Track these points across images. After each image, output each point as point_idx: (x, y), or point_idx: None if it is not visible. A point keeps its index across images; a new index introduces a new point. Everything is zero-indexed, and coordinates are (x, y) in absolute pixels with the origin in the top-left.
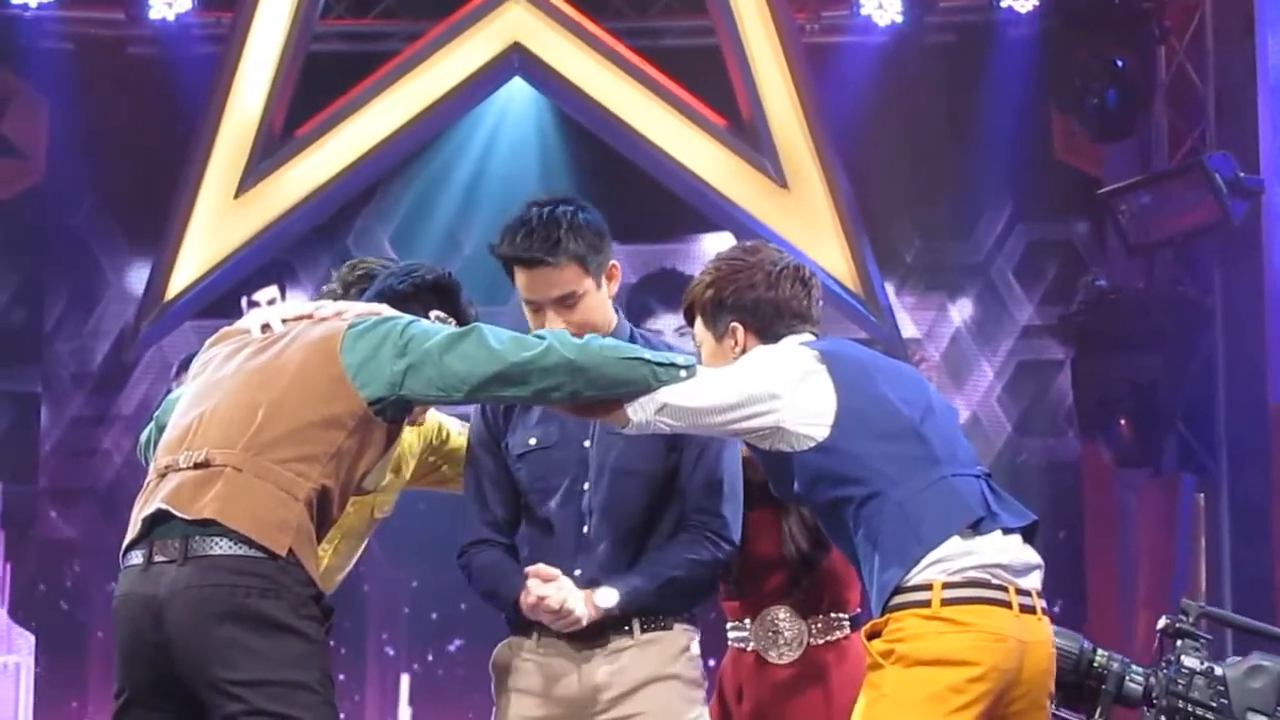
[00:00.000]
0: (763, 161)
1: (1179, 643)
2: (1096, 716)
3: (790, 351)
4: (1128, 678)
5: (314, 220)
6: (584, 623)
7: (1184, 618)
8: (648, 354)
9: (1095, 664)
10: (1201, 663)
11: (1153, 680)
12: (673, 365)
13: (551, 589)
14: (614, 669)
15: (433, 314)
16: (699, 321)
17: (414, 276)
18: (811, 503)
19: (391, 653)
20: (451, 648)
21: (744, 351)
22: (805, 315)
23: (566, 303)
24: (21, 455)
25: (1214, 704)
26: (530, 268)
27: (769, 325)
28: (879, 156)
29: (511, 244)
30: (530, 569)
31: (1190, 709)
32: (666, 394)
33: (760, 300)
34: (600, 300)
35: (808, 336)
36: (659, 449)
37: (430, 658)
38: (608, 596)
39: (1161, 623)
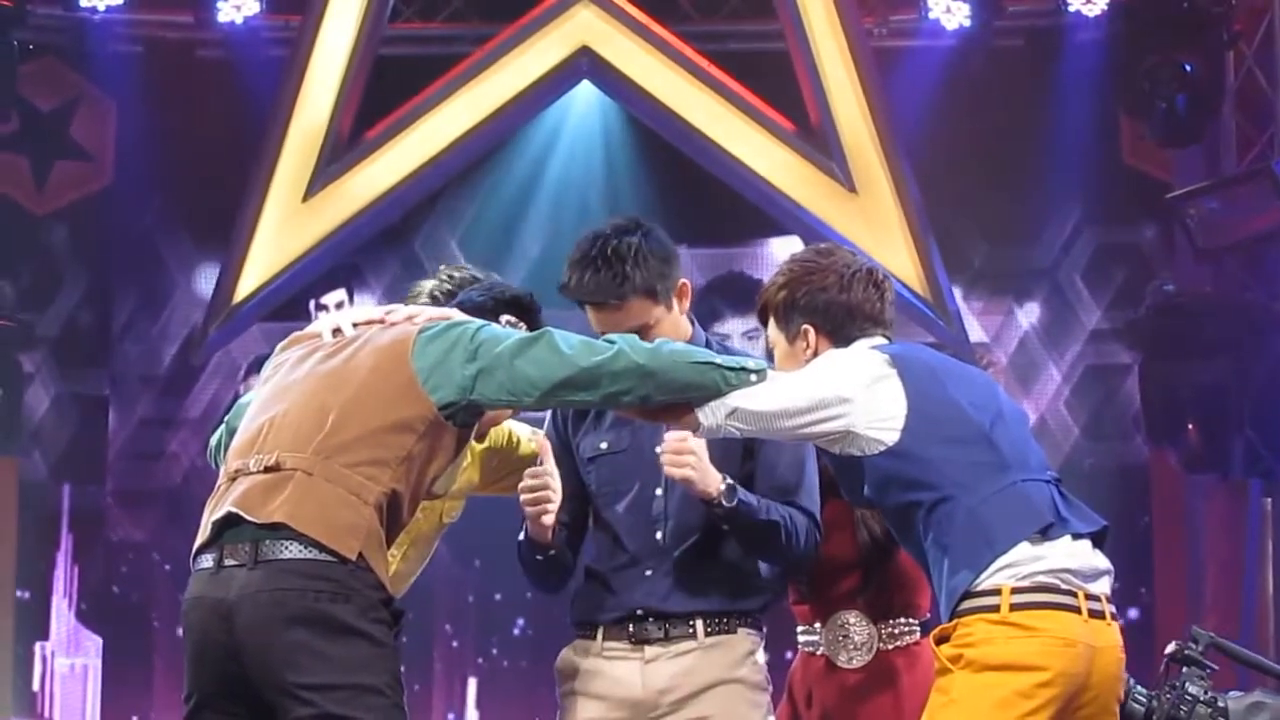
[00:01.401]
0: (830, 165)
1: (1185, 669)
2: None
3: (861, 355)
4: (1131, 697)
5: (382, 224)
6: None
7: (1193, 645)
8: (718, 358)
9: None
10: (1205, 692)
11: (1155, 704)
12: (743, 369)
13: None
14: (678, 672)
15: (503, 319)
16: (771, 323)
17: (494, 291)
18: (881, 507)
19: (456, 645)
20: (515, 630)
21: (815, 354)
22: (877, 319)
23: (639, 332)
24: (89, 457)
25: None
26: (599, 308)
27: (841, 328)
28: (947, 160)
29: (579, 285)
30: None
31: None
32: (737, 398)
33: (832, 303)
34: (672, 322)
35: (879, 340)
36: (735, 455)
37: (495, 650)
38: (731, 489)
39: (1170, 648)
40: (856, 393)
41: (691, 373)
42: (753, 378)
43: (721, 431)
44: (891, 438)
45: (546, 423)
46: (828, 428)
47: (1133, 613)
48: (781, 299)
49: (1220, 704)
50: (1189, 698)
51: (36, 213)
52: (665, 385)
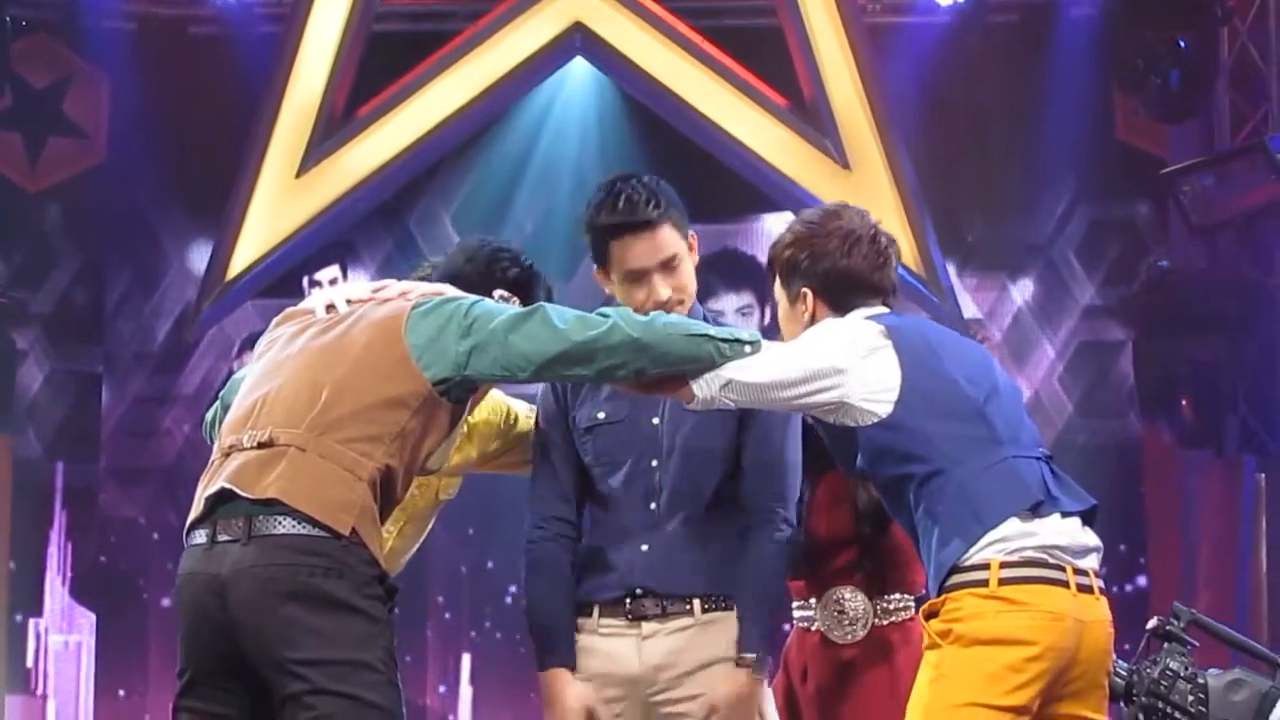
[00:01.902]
0: (824, 142)
1: (1166, 645)
2: None
3: (857, 325)
4: (1112, 671)
5: (375, 200)
6: None
7: (1175, 621)
8: (712, 330)
9: None
10: (1186, 668)
11: (1136, 678)
12: (738, 341)
13: None
14: (674, 649)
15: (496, 293)
16: (777, 280)
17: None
18: (874, 478)
19: (449, 617)
20: (508, 599)
21: (813, 318)
22: (878, 287)
23: (671, 265)
24: (83, 435)
25: (1193, 710)
26: (638, 232)
27: (839, 295)
28: (941, 136)
29: (613, 212)
30: None
31: (1169, 711)
32: (732, 370)
33: (833, 269)
34: (688, 271)
35: (878, 309)
36: (730, 426)
37: (488, 623)
38: (751, 659)
39: (1152, 623)
40: (851, 363)
41: (686, 345)
42: (747, 349)
43: (716, 403)
44: (885, 409)
45: (540, 393)
46: (822, 399)
47: (1125, 589)
48: (786, 258)
49: (1200, 680)
50: (1169, 673)
51: (30, 190)
52: (660, 358)
